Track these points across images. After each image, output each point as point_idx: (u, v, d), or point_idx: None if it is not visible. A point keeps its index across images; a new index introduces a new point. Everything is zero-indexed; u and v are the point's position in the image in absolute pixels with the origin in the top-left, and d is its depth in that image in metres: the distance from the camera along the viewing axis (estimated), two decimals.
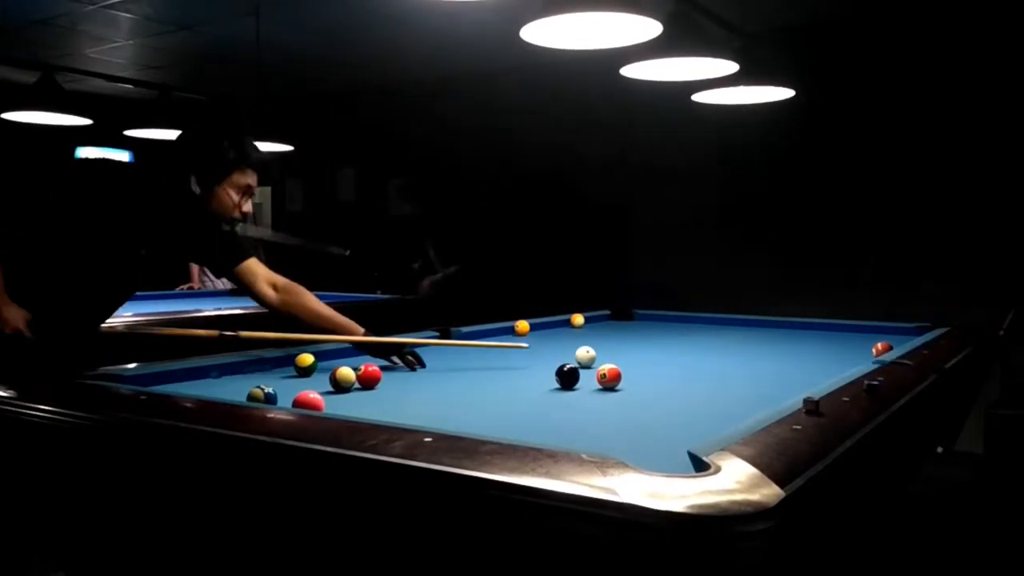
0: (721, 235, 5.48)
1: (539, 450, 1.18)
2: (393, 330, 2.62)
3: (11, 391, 1.67)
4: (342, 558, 1.21)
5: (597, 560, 1.00)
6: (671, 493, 1.01)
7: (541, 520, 1.04)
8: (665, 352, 2.90)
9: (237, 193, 2.29)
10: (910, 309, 3.84)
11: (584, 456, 1.14)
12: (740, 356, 2.75)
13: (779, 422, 1.43)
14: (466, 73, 6.30)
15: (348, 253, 2.14)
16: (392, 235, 6.98)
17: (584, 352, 2.38)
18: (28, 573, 1.79)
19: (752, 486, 1.05)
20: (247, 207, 2.34)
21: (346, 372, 2.01)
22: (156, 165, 2.34)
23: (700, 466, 1.16)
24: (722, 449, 1.21)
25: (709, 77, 3.12)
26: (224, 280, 5.76)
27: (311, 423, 1.46)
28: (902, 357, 2.26)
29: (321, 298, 2.59)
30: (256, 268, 2.48)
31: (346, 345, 2.57)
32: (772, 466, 1.14)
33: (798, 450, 1.26)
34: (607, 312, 3.89)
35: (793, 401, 1.61)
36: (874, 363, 2.17)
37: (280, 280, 2.50)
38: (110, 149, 7.67)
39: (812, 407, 1.51)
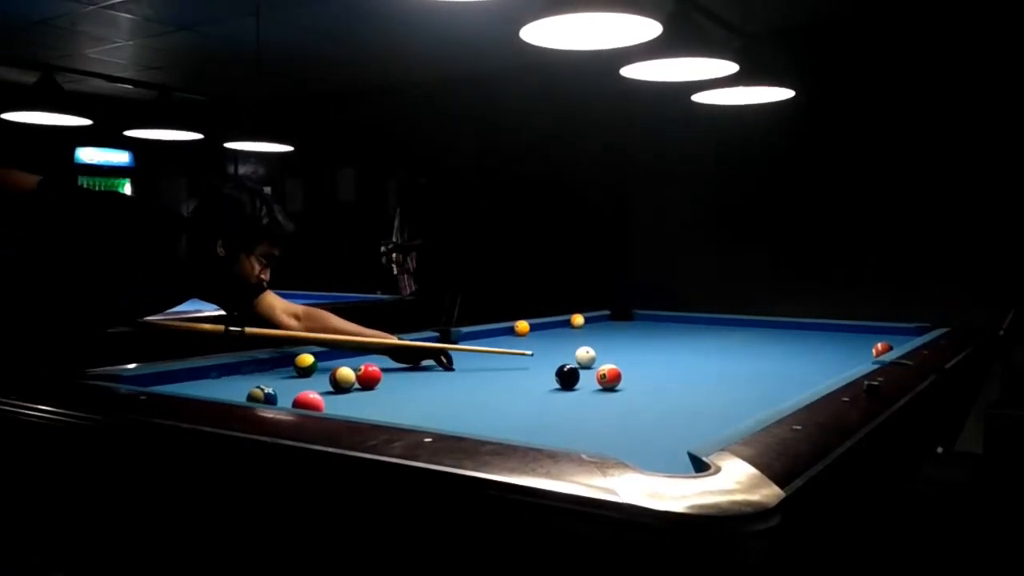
0: (721, 235, 5.49)
1: (539, 450, 1.18)
2: (393, 330, 2.62)
3: (11, 391, 1.67)
4: (342, 558, 1.21)
5: (597, 560, 1.00)
6: (671, 493, 1.01)
7: (541, 520, 1.04)
8: (665, 352, 2.90)
9: (260, 263, 2.27)
10: (910, 309, 3.84)
11: (584, 456, 1.14)
12: (740, 356, 2.75)
13: (779, 422, 1.43)
14: (466, 73, 6.30)
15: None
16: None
17: (584, 352, 2.38)
18: (28, 573, 1.78)
19: (752, 486, 1.05)
20: (267, 275, 2.31)
21: (346, 372, 2.01)
22: (176, 219, 2.26)
23: (700, 466, 1.15)
24: (722, 449, 1.21)
25: (709, 77, 3.12)
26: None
27: (311, 423, 1.46)
28: (902, 357, 2.26)
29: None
30: (274, 301, 2.43)
31: None
32: (772, 466, 1.14)
33: (798, 450, 1.26)
34: (607, 312, 3.89)
35: (793, 401, 1.61)
36: (874, 363, 2.17)
37: (299, 309, 2.48)
38: (110, 149, 7.69)
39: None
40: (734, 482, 1.07)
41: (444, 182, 6.74)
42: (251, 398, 1.74)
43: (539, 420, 1.78)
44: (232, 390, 1.87)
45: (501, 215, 6.41)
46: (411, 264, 6.25)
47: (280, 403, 1.74)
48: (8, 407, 1.61)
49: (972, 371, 2.80)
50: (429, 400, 2.00)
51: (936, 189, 4.71)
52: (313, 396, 1.71)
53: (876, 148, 4.91)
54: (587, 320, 3.58)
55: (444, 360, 2.43)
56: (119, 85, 5.73)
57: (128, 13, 4.82)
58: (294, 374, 2.21)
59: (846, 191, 5.01)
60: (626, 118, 5.77)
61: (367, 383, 2.03)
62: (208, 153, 7.14)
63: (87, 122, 4.77)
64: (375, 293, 5.19)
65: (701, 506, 0.98)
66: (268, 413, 1.56)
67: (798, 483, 1.11)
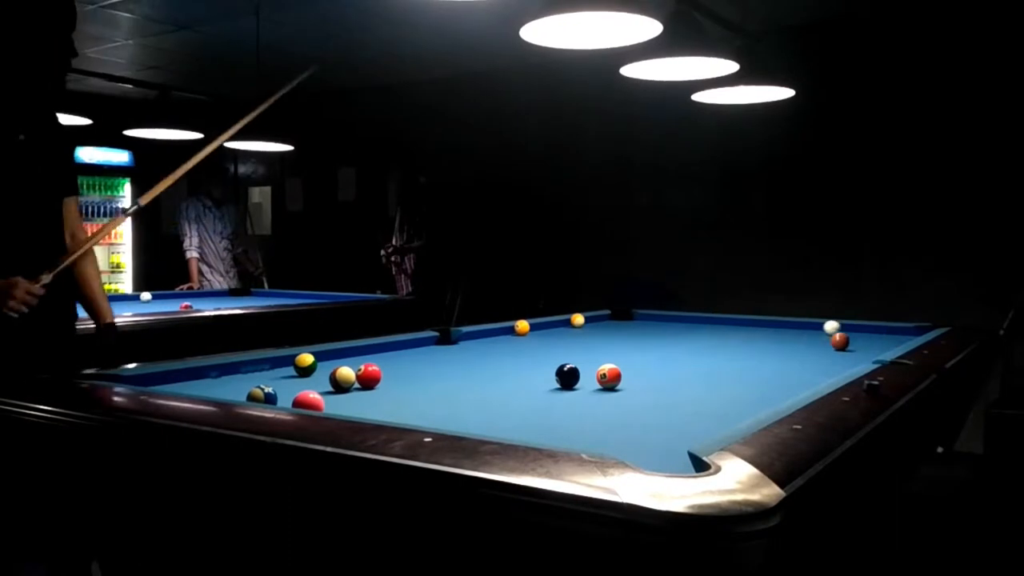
0: (721, 235, 5.48)
1: (539, 450, 1.17)
2: (393, 330, 2.62)
3: (11, 391, 1.67)
4: (343, 558, 1.21)
5: (597, 560, 1.00)
6: (671, 493, 1.01)
7: (541, 520, 1.04)
8: (665, 352, 2.90)
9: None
10: (910, 309, 3.85)
11: (584, 456, 1.14)
12: (740, 356, 2.75)
13: (779, 422, 1.43)
14: (466, 73, 6.30)
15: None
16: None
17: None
18: (28, 573, 1.78)
19: (752, 486, 1.05)
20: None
21: (346, 372, 2.01)
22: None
23: (700, 466, 1.15)
24: (722, 449, 1.21)
25: (709, 77, 3.12)
26: (220, 278, 5.77)
27: (311, 423, 1.46)
28: (902, 357, 2.26)
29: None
30: (72, 209, 2.40)
31: (346, 345, 2.59)
32: (772, 466, 1.14)
33: (798, 450, 1.26)
34: (607, 312, 3.89)
35: (793, 401, 1.61)
36: (874, 363, 2.17)
37: (80, 235, 2.41)
38: (110, 149, 7.69)
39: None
40: (734, 482, 1.07)
41: (443, 181, 6.74)
42: (251, 398, 1.74)
43: (539, 420, 1.78)
44: (232, 390, 1.87)
45: (500, 215, 6.42)
46: (409, 265, 6.27)
47: (280, 403, 1.74)
48: (8, 407, 1.61)
49: (972, 371, 2.80)
50: (429, 400, 2.00)
51: (936, 189, 4.71)
52: (313, 396, 1.71)
53: (876, 147, 4.91)
54: (587, 320, 3.58)
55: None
56: (119, 85, 5.73)
57: (128, 12, 4.82)
58: (294, 374, 2.21)
59: (846, 191, 5.01)
60: (626, 118, 5.76)
61: (367, 383, 2.03)
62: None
63: (87, 121, 4.77)
64: (375, 293, 5.19)
65: (701, 506, 0.98)
66: (268, 413, 1.56)
67: (798, 483, 1.11)
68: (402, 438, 1.25)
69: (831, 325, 3.19)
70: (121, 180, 8.01)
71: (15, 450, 1.65)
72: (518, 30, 2.41)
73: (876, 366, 2.12)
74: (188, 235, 5.70)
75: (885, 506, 1.97)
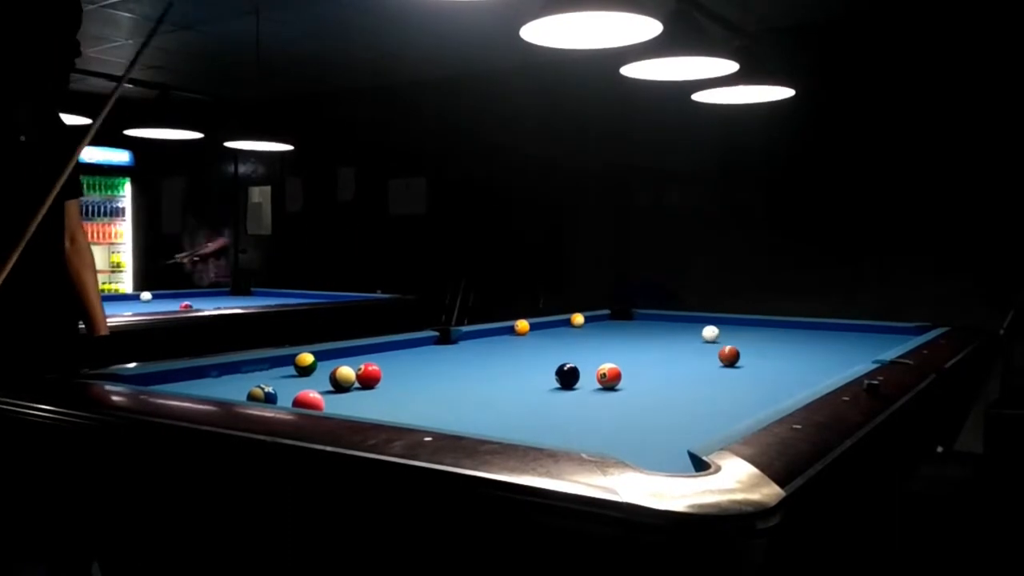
0: (721, 235, 5.48)
1: (539, 450, 1.18)
2: (393, 329, 2.62)
3: (11, 391, 1.67)
4: (343, 558, 1.21)
5: (597, 560, 1.00)
6: (671, 493, 1.01)
7: (541, 520, 1.04)
8: (665, 352, 2.90)
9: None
10: (910, 309, 3.85)
11: (584, 456, 1.14)
12: (740, 356, 2.75)
13: (779, 422, 1.43)
14: (466, 73, 6.30)
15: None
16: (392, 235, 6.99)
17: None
18: (28, 573, 1.78)
19: (752, 486, 1.05)
20: None
21: (346, 372, 2.01)
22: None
23: (700, 466, 1.15)
24: (722, 449, 1.21)
25: (709, 76, 3.12)
26: (213, 273, 5.76)
27: (311, 423, 1.46)
28: (902, 357, 2.26)
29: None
30: (73, 212, 2.37)
31: (346, 345, 2.58)
32: (772, 466, 1.14)
33: (798, 450, 1.26)
34: (607, 312, 3.89)
35: (793, 401, 1.61)
36: (873, 363, 2.17)
37: (80, 238, 2.39)
38: (110, 148, 7.69)
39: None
40: (734, 481, 1.07)
41: (443, 181, 6.74)
42: (251, 398, 1.74)
43: (539, 420, 1.78)
44: (232, 390, 1.87)
45: (500, 215, 6.42)
46: (212, 267, 6.34)
47: (280, 403, 1.74)
48: (8, 407, 1.61)
49: (972, 371, 2.80)
50: (429, 399, 2.00)
51: (936, 189, 4.71)
52: (313, 396, 1.71)
53: (876, 147, 4.91)
54: (587, 320, 3.58)
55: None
56: None
57: (128, 12, 4.82)
58: (294, 374, 2.21)
59: (846, 191, 5.01)
60: (626, 118, 5.76)
61: (367, 382, 2.03)
62: (208, 153, 7.14)
63: (87, 121, 4.75)
64: (375, 293, 5.19)
65: (701, 505, 0.98)
66: (268, 413, 1.56)
67: (798, 482, 1.11)
68: (402, 438, 1.25)
69: (710, 331, 3.02)
70: (121, 180, 8.01)
71: (15, 450, 1.65)
72: (518, 30, 2.40)
73: (876, 366, 2.12)
74: None
75: (885, 506, 1.97)
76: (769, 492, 1.04)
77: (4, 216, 2.12)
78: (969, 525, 3.25)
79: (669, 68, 2.98)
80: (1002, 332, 3.56)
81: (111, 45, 5.54)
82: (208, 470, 1.37)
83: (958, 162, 4.65)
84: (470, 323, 4.80)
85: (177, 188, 8.26)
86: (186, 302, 4.52)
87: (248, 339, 3.08)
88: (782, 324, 3.54)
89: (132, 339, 3.20)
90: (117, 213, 8.05)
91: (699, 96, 3.49)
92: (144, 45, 2.32)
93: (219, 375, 2.17)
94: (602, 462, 1.11)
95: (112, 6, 4.67)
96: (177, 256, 6.44)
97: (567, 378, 2.05)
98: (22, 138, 2.20)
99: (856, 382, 1.83)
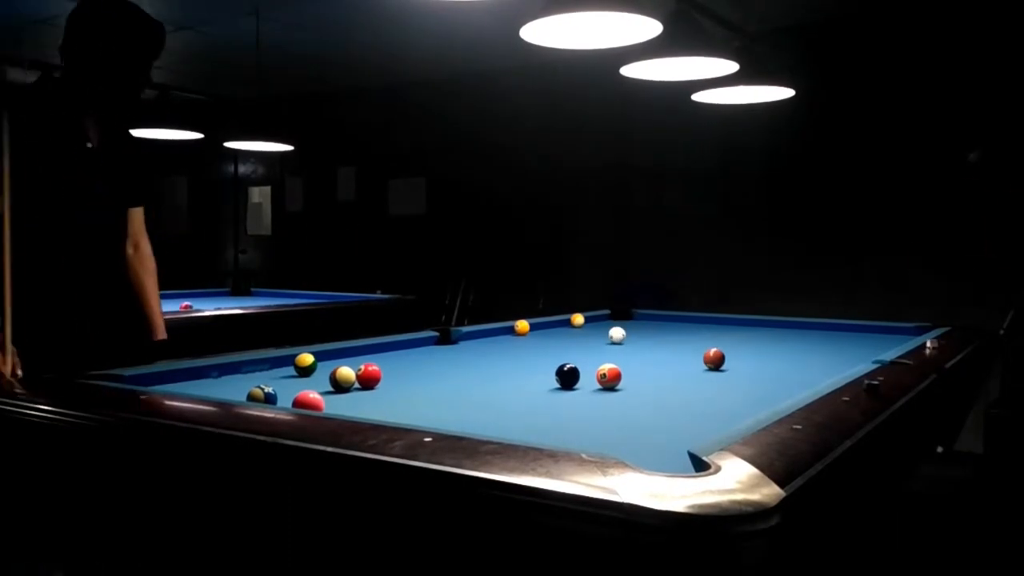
0: (721, 235, 5.49)
1: (539, 450, 1.17)
2: (393, 330, 2.62)
3: (11, 391, 1.67)
4: (342, 558, 1.21)
5: (597, 560, 1.00)
6: (671, 493, 1.01)
7: (541, 520, 1.04)
8: (665, 352, 2.90)
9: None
10: (910, 309, 3.85)
11: (584, 456, 1.14)
12: (740, 356, 2.75)
13: (779, 422, 1.43)
14: (466, 73, 6.30)
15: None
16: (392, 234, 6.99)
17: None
18: (28, 574, 1.78)
19: (752, 486, 1.05)
20: None
21: (346, 372, 2.01)
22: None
23: (700, 466, 1.15)
24: (722, 449, 1.21)
25: (709, 76, 3.12)
26: None
27: (311, 423, 1.46)
28: (902, 357, 2.26)
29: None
30: (137, 219, 2.44)
31: (346, 345, 2.58)
32: (772, 466, 1.14)
33: (798, 450, 1.26)
34: (607, 312, 3.89)
35: (793, 401, 1.61)
36: (873, 363, 2.17)
37: (143, 247, 2.47)
38: None
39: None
40: (734, 481, 1.07)
41: (444, 181, 6.74)
42: (251, 398, 1.74)
43: (539, 420, 1.78)
44: (232, 390, 1.87)
45: (500, 216, 6.42)
46: None
47: (280, 403, 1.74)
48: (8, 407, 1.61)
49: (972, 371, 2.80)
50: (429, 399, 2.00)
51: (936, 189, 4.71)
52: (313, 396, 1.71)
53: (876, 147, 4.91)
54: (587, 320, 3.58)
55: None
56: None
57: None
58: (294, 374, 2.21)
59: (846, 190, 5.01)
60: (626, 118, 5.77)
61: (367, 383, 2.03)
62: (208, 153, 7.14)
63: None
64: (375, 293, 5.19)
65: (701, 505, 0.98)
66: (268, 413, 1.56)
67: (798, 483, 1.11)
68: (402, 438, 1.25)
69: (617, 332, 2.97)
70: None
71: (15, 450, 1.65)
72: (518, 30, 2.41)
73: (876, 366, 2.12)
74: None
75: (885, 506, 1.97)
76: (769, 492, 1.04)
77: (67, 217, 2.22)
78: (969, 525, 3.25)
79: (669, 68, 2.98)
80: (1002, 332, 3.56)
81: None
82: (208, 471, 1.37)
83: (958, 162, 4.65)
84: (470, 323, 4.81)
85: (177, 189, 8.26)
86: (186, 302, 4.52)
87: (248, 339, 3.08)
88: (782, 324, 3.54)
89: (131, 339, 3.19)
90: None
91: (699, 96, 3.49)
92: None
93: (219, 375, 2.17)
94: (602, 462, 1.11)
95: None
96: None
97: (567, 378, 2.05)
98: (89, 145, 2.28)
99: (856, 382, 1.83)
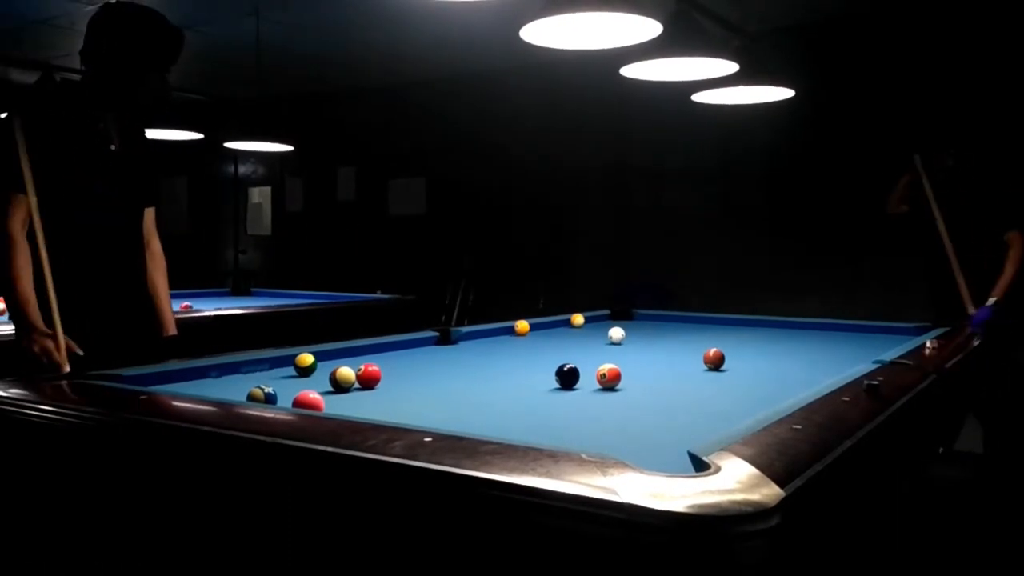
0: (721, 235, 5.49)
1: (539, 450, 1.17)
2: (393, 330, 2.62)
3: (11, 391, 1.67)
4: (342, 558, 1.21)
5: (597, 560, 1.00)
6: (671, 493, 1.01)
7: (541, 520, 1.04)
8: (665, 352, 2.90)
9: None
10: (910, 309, 3.85)
11: (584, 456, 1.14)
12: (740, 356, 2.75)
13: (779, 422, 1.43)
14: (466, 73, 6.30)
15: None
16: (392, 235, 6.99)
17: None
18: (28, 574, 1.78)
19: (752, 486, 1.05)
20: None
21: (346, 372, 2.01)
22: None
23: (700, 466, 1.15)
24: (722, 449, 1.21)
25: (709, 77, 3.12)
26: None
27: (311, 423, 1.46)
28: (902, 357, 2.26)
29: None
30: (149, 218, 2.53)
31: (346, 345, 2.58)
32: (772, 466, 1.14)
33: (798, 450, 1.26)
34: (607, 312, 3.89)
35: (793, 401, 1.61)
36: (874, 363, 2.17)
37: (154, 245, 2.55)
38: None
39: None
40: (734, 482, 1.07)
41: (443, 181, 6.74)
42: (251, 398, 1.74)
43: (539, 420, 1.78)
44: (232, 390, 1.87)
45: (500, 216, 6.42)
46: None
47: (280, 403, 1.74)
48: (8, 407, 1.61)
49: (972, 371, 2.80)
50: (429, 399, 2.00)
51: (936, 188, 4.70)
52: (313, 396, 1.71)
53: (876, 147, 4.90)
54: (587, 320, 3.58)
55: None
56: None
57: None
58: (294, 374, 2.21)
59: (846, 190, 5.01)
60: (626, 118, 5.77)
61: (367, 383, 2.03)
62: (208, 153, 7.14)
63: None
64: (375, 293, 5.19)
65: (701, 506, 0.98)
66: (268, 413, 1.56)
67: (798, 483, 1.11)
68: (402, 438, 1.25)
69: (617, 332, 2.97)
70: None
71: (15, 450, 1.65)
72: (518, 30, 2.41)
73: (876, 366, 2.12)
74: None
75: (885, 506, 1.97)
76: (769, 492, 1.04)
77: (88, 219, 2.29)
78: (969, 525, 3.25)
79: (669, 68, 2.99)
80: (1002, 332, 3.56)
81: None
82: (208, 471, 1.37)
83: (958, 162, 4.64)
84: (470, 323, 4.81)
85: (177, 189, 8.26)
86: (186, 302, 4.51)
87: (248, 339, 3.08)
88: (782, 324, 3.54)
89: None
90: None
91: (699, 96, 3.49)
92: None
93: (219, 375, 2.17)
94: (602, 462, 1.11)
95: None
96: None
97: (567, 378, 2.05)
98: (112, 147, 2.37)
99: (856, 382, 1.83)
